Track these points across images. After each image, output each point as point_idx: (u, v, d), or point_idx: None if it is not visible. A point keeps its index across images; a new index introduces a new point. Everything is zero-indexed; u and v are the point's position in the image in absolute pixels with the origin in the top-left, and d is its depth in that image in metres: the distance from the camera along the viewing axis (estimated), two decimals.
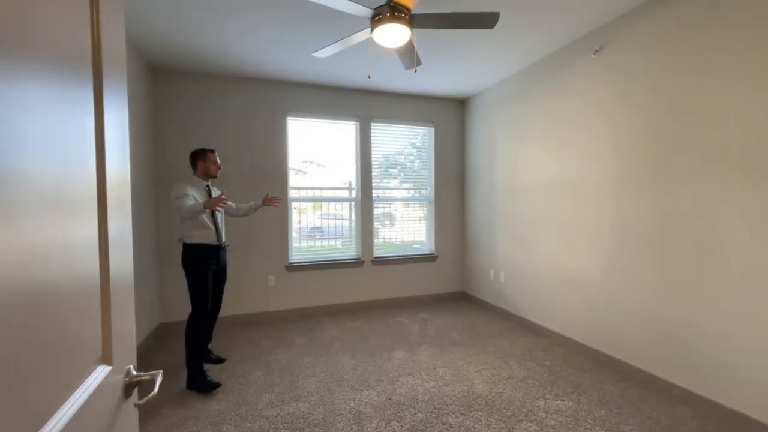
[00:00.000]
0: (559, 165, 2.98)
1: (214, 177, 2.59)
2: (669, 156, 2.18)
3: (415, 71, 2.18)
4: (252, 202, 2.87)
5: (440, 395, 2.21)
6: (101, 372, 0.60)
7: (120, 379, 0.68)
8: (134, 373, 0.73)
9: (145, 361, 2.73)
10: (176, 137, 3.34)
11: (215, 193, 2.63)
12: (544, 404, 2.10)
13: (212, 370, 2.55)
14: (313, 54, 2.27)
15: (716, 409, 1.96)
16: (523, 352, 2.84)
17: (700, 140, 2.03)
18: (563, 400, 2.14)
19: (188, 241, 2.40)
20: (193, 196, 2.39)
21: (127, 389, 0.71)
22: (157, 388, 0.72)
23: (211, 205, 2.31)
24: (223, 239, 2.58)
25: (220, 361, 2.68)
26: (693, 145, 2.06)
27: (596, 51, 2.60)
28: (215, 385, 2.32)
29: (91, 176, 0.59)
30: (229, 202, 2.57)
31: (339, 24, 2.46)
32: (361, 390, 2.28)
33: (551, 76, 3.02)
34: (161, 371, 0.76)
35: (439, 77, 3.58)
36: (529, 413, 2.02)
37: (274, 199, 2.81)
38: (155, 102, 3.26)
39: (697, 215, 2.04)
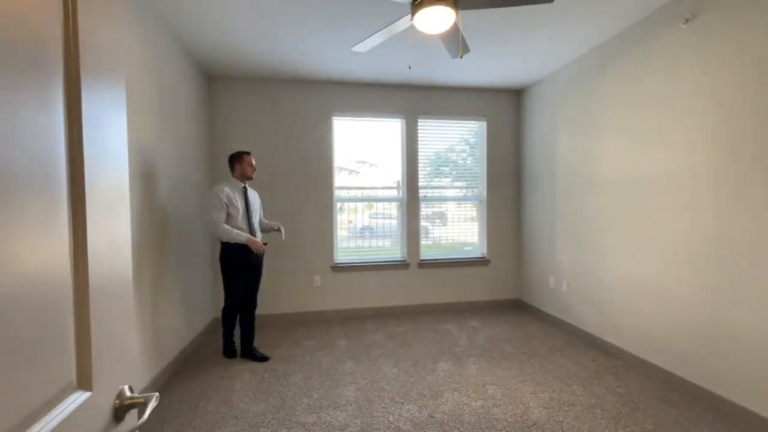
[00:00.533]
0: (639, 158, 2.55)
1: (250, 178, 2.73)
2: None
3: (461, 57, 1.97)
4: (273, 222, 2.94)
5: (489, 418, 1.98)
6: (75, 400, 0.53)
7: (107, 404, 0.61)
8: (128, 394, 0.67)
9: (196, 356, 2.86)
10: (230, 140, 3.47)
11: (251, 194, 2.77)
12: None
13: (257, 368, 2.59)
14: (352, 49, 2.17)
15: None
16: (588, 373, 2.48)
17: None
18: None
19: (225, 240, 2.59)
20: (227, 200, 2.57)
21: (118, 413, 0.64)
22: (146, 416, 0.64)
23: (253, 246, 2.55)
24: (259, 238, 2.70)
25: (264, 359, 2.71)
26: None
27: (687, 20, 2.16)
28: (233, 355, 2.77)
29: (58, 173, 0.51)
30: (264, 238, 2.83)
31: (379, 16, 2.33)
32: (402, 403, 2.14)
33: (629, 53, 2.59)
34: (157, 394, 0.69)
35: (491, 66, 3.30)
36: None
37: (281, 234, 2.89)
38: (211, 108, 3.43)
39: None
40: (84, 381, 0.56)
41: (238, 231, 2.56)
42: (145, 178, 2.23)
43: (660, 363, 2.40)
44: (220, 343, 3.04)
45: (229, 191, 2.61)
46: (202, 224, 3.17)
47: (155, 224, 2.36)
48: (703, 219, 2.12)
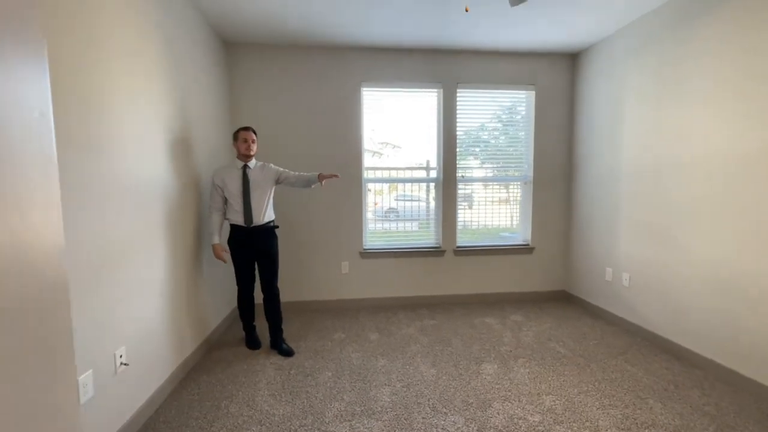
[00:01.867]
0: (738, 131, 2.06)
1: (246, 155, 2.47)
2: None
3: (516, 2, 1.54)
4: (312, 174, 2.57)
5: None
6: None
7: None
8: None
9: (220, 343, 2.69)
10: (251, 112, 3.20)
11: (255, 173, 2.49)
12: None
13: (282, 363, 2.38)
14: None
15: None
16: (664, 385, 2.10)
17: None
18: None
19: (230, 222, 2.52)
20: (221, 183, 2.43)
21: None
22: None
23: (214, 251, 2.47)
24: (259, 220, 2.45)
25: (289, 353, 2.50)
26: None
27: None
28: (253, 347, 2.60)
29: None
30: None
31: None
32: (446, 414, 1.86)
33: (726, 3, 2.06)
34: None
35: (543, 25, 2.81)
36: None
37: (332, 176, 2.55)
38: (230, 77, 3.14)
39: None
40: None
41: (211, 231, 2.47)
42: (173, 150, 1.99)
43: (755, 376, 1.99)
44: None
45: (225, 173, 2.45)
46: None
47: (177, 208, 2.13)
48: None
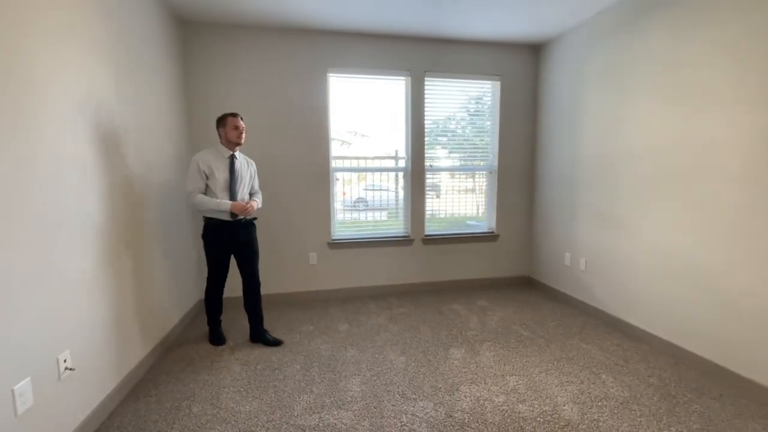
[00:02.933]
0: (683, 123, 2.21)
1: (238, 143, 2.34)
2: None
3: None
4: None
5: (515, 417, 1.75)
6: None
7: None
8: None
9: (180, 341, 2.56)
10: (209, 97, 3.00)
11: (241, 164, 2.41)
12: None
13: (248, 358, 2.31)
14: None
15: None
16: (616, 361, 2.26)
17: None
18: None
19: (206, 215, 2.35)
20: (207, 170, 2.27)
21: None
22: None
23: (238, 210, 2.29)
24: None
25: (277, 342, 2.49)
26: None
27: None
28: (218, 342, 2.48)
29: None
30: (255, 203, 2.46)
31: None
32: (415, 400, 1.89)
33: (677, 1, 2.18)
34: None
35: (509, 16, 2.84)
36: None
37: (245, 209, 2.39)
38: (184, 58, 2.92)
39: None
40: None
41: (218, 200, 2.27)
42: (104, 141, 1.81)
43: (693, 348, 2.19)
44: (207, 329, 2.75)
45: (212, 160, 2.30)
46: (179, 197, 2.77)
47: (120, 197, 1.96)
48: (758, 192, 1.82)
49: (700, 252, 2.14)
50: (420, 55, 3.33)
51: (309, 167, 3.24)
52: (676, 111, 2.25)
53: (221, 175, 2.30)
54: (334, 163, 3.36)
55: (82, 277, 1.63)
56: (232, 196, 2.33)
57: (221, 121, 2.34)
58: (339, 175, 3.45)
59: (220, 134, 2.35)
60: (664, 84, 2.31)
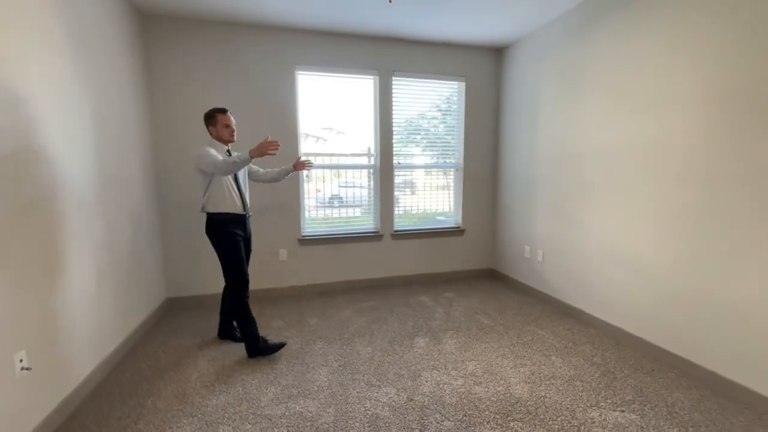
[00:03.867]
0: (624, 124, 2.41)
1: (231, 142, 2.31)
2: None
3: None
4: (283, 167, 2.63)
5: (471, 397, 1.88)
6: None
7: None
8: None
9: (148, 338, 2.54)
10: (172, 95, 2.95)
11: (251, 171, 2.48)
12: (600, 416, 1.74)
13: (216, 354, 2.33)
14: None
15: None
16: (566, 344, 2.45)
17: None
18: (623, 411, 1.77)
19: (213, 210, 2.24)
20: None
21: None
22: None
23: (259, 151, 2.03)
24: (248, 208, 2.39)
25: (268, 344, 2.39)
26: None
27: None
28: (280, 346, 2.30)
29: None
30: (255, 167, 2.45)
31: None
32: (379, 387, 1.99)
33: (620, 9, 2.38)
34: None
35: (471, 20, 2.97)
36: (582, 427, 1.66)
37: (306, 163, 2.60)
38: (146, 54, 2.86)
39: None
40: None
41: (235, 156, 2.11)
42: (58, 136, 1.77)
43: (633, 330, 2.42)
44: (174, 326, 2.74)
45: (213, 151, 2.18)
46: (139, 193, 2.72)
47: (76, 194, 1.92)
48: (689, 188, 2.04)
49: (639, 243, 2.35)
50: (387, 55, 3.41)
51: (277, 164, 3.24)
52: (619, 114, 2.45)
53: None
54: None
55: (41, 275, 1.60)
56: (241, 192, 2.30)
57: (210, 118, 2.24)
58: (310, 172, 3.47)
59: (210, 132, 2.27)
60: (610, 88, 2.51)
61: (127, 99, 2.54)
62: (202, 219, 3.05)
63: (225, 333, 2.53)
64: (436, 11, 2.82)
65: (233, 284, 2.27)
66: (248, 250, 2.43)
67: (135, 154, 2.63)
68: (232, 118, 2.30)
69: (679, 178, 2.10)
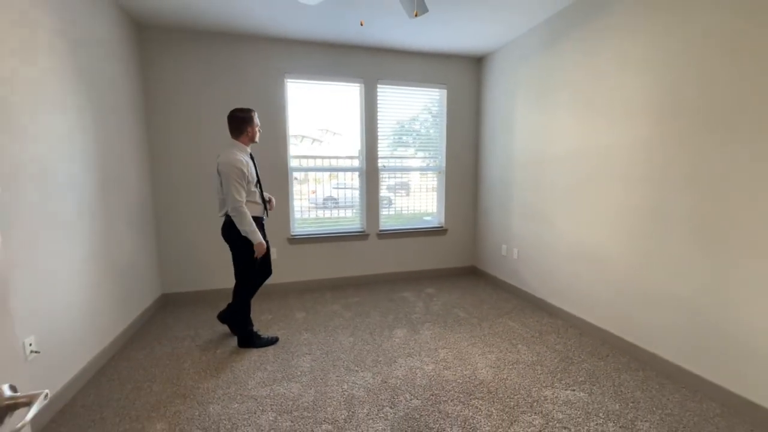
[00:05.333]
0: (587, 132, 2.62)
1: (256, 142, 2.43)
2: (725, 119, 1.82)
3: (416, 15, 1.85)
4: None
5: (439, 380, 2.07)
6: None
7: None
8: (8, 394, 0.57)
9: (144, 330, 2.71)
10: (167, 102, 3.13)
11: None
12: (552, 394, 1.94)
13: (207, 345, 2.50)
14: (300, 0, 1.96)
15: (749, 408, 1.74)
16: (533, 334, 2.66)
17: (764, 100, 1.66)
18: (574, 390, 1.97)
19: (242, 227, 2.26)
20: (248, 173, 2.26)
21: None
22: (31, 415, 0.55)
23: (258, 251, 2.31)
24: (268, 210, 2.52)
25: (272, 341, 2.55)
26: (755, 105, 1.70)
27: None
28: (271, 341, 2.49)
29: None
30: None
31: None
32: (357, 371, 2.17)
33: (584, 25, 2.59)
34: (46, 391, 0.60)
35: (451, 31, 3.17)
36: (535, 404, 1.86)
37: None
38: (143, 63, 3.04)
39: (756, 193, 1.72)
40: None
41: (255, 227, 2.27)
42: (58, 145, 1.95)
43: (593, 321, 2.63)
44: (169, 321, 2.91)
45: (244, 159, 2.26)
46: (135, 194, 2.89)
47: (75, 197, 2.10)
48: (641, 190, 2.25)
49: (599, 241, 2.57)
50: (372, 64, 3.61)
51: (269, 168, 3.43)
52: (581, 121, 2.66)
53: (253, 175, 2.31)
54: (292, 163, 3.57)
55: (51, 267, 1.78)
56: (262, 194, 2.42)
57: (248, 120, 2.29)
58: (306, 174, 3.66)
59: (244, 131, 2.31)
60: (573, 98, 2.73)
61: (124, 104, 2.72)
62: (199, 216, 3.23)
63: (224, 318, 2.60)
64: (418, 26, 3.02)
65: (245, 285, 2.42)
66: (269, 249, 2.48)
67: (131, 154, 2.80)
68: None
69: (628, 181, 2.31)
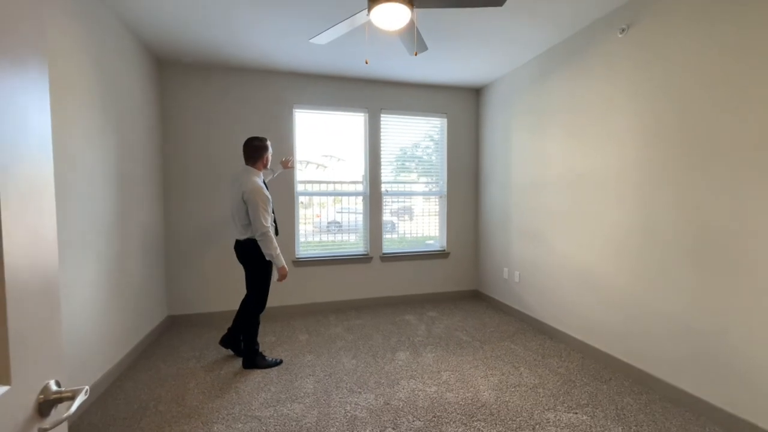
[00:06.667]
0: (579, 157, 2.75)
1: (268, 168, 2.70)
2: (704, 144, 1.94)
3: (416, 54, 2.02)
4: (272, 167, 3.00)
5: (442, 402, 2.08)
6: None
7: (28, 398, 0.59)
8: (54, 389, 0.65)
9: (149, 352, 2.74)
10: (183, 130, 3.32)
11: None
12: (554, 417, 1.94)
13: (212, 366, 2.53)
14: (310, 40, 2.15)
15: (751, 431, 1.74)
16: (535, 357, 2.66)
17: (740, 126, 1.78)
18: (576, 413, 1.97)
19: (267, 253, 2.40)
20: (269, 197, 2.45)
21: (42, 408, 0.62)
22: (74, 408, 0.63)
23: (282, 274, 2.43)
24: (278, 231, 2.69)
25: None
26: (732, 131, 1.81)
27: (623, 30, 2.35)
28: (275, 363, 2.54)
29: None
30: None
31: (339, 8, 2.32)
32: (359, 393, 2.19)
33: (572, 60, 2.78)
34: (86, 387, 0.67)
35: (450, 64, 3.39)
36: (537, 426, 1.86)
37: (289, 162, 3.01)
38: (162, 95, 3.25)
39: (736, 213, 1.80)
40: (1, 376, 0.54)
41: (279, 252, 2.42)
42: (85, 171, 2.09)
43: (595, 344, 2.63)
44: (175, 342, 2.94)
45: (264, 187, 2.44)
46: (148, 216, 3.02)
47: (96, 218, 2.22)
48: (634, 214, 2.33)
49: (597, 264, 2.62)
50: (376, 95, 3.82)
51: (276, 192, 3.57)
52: (573, 148, 2.79)
53: (271, 198, 2.50)
54: (298, 188, 3.71)
55: (70, 289, 1.87)
56: (274, 218, 2.55)
57: (263, 149, 2.50)
58: (310, 198, 3.79)
59: (264, 157, 2.51)
60: (563, 127, 2.87)
61: (143, 131, 2.89)
62: (206, 240, 3.34)
63: (228, 342, 2.66)
64: (419, 61, 3.24)
65: (254, 305, 2.51)
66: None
67: (147, 180, 2.94)
68: None
69: (620, 203, 2.41)
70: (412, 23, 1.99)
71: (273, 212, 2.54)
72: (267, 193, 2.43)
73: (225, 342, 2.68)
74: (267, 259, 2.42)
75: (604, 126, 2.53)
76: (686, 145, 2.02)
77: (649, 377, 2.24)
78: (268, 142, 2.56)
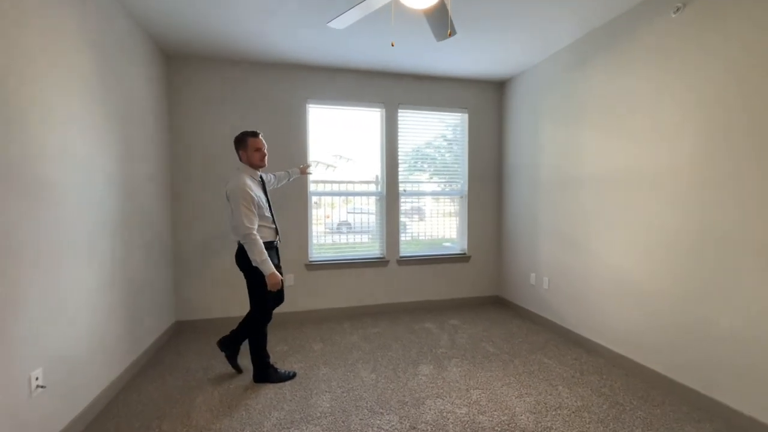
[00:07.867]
0: (620, 153, 2.48)
1: (262, 167, 2.28)
2: None
3: (449, 35, 1.79)
4: (289, 169, 2.85)
5: (475, 427, 1.85)
6: None
7: None
8: None
9: (156, 360, 2.57)
10: (192, 126, 3.15)
11: (267, 183, 2.50)
12: None
13: (221, 379, 2.35)
14: (328, 24, 1.95)
15: None
16: (572, 373, 2.41)
17: None
18: None
19: (253, 256, 2.11)
20: (257, 198, 2.14)
21: None
22: None
23: (271, 281, 2.11)
24: (279, 234, 2.40)
25: (239, 370, 2.42)
26: None
27: (678, 9, 2.08)
28: (289, 376, 2.34)
29: None
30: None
31: None
32: (381, 414, 1.97)
33: (616, 44, 2.51)
34: None
35: (474, 56, 3.15)
36: None
37: (308, 168, 2.92)
38: (170, 89, 3.09)
39: None
40: None
41: (266, 257, 2.10)
42: (88, 171, 1.92)
43: (642, 360, 2.37)
44: (182, 349, 2.78)
45: (254, 186, 2.17)
46: (154, 219, 2.85)
47: (98, 220, 2.05)
48: (689, 215, 2.07)
49: (641, 270, 2.36)
50: (393, 88, 3.60)
51: (288, 192, 3.38)
52: (613, 143, 2.53)
53: (263, 199, 2.21)
54: (311, 187, 3.52)
55: (70, 298, 1.70)
56: (274, 218, 2.30)
57: (241, 142, 2.20)
58: (320, 198, 3.60)
59: (240, 156, 2.23)
60: (603, 120, 2.61)
61: (151, 130, 2.73)
62: (215, 244, 3.17)
63: (225, 346, 2.38)
64: (440, 52, 3.01)
65: (257, 316, 2.27)
66: (281, 275, 2.27)
67: (154, 181, 2.78)
68: (264, 142, 2.25)
69: (669, 203, 2.14)
70: (442, 2, 1.76)
71: (272, 214, 2.30)
72: (254, 192, 2.12)
73: (222, 344, 2.37)
74: (253, 265, 2.11)
75: (652, 118, 2.27)
76: (759, 139, 1.75)
77: (709, 401, 1.97)
78: (249, 137, 2.20)
